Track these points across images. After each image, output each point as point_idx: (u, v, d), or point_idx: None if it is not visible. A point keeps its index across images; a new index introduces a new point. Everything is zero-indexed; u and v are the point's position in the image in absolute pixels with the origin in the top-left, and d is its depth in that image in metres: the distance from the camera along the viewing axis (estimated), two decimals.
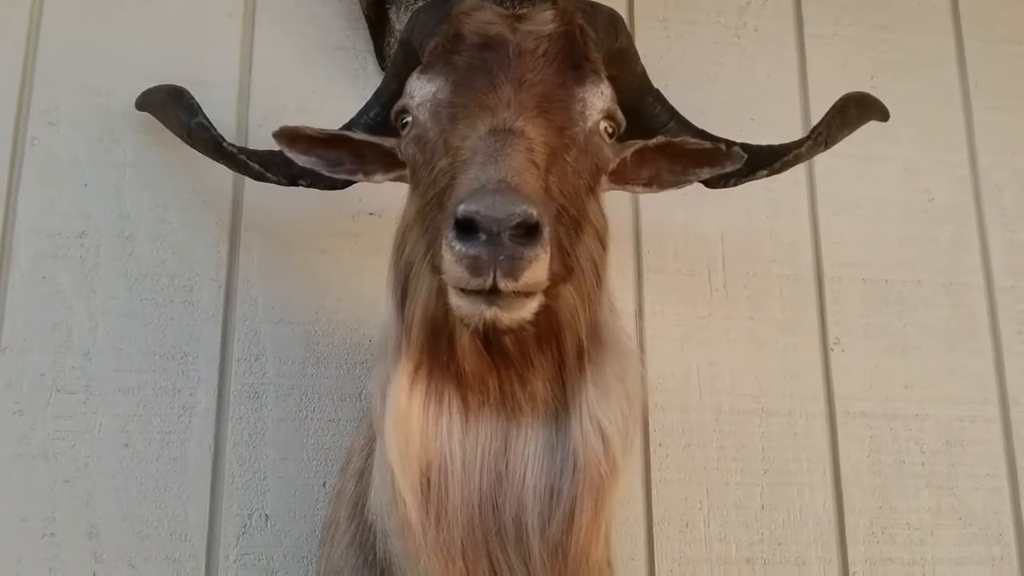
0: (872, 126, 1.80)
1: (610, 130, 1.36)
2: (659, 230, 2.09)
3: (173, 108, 1.75)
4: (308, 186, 1.66)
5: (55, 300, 1.85)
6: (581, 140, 1.31)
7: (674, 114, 1.70)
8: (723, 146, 1.48)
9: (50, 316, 1.84)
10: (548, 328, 1.27)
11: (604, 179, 1.40)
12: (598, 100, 1.33)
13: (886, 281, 2.16)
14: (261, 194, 1.90)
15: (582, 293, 1.29)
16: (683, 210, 2.10)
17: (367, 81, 2.04)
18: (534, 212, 1.09)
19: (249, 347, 1.89)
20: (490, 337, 1.23)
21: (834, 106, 1.74)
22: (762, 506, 1.99)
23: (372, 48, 2.06)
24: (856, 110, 1.81)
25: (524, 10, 1.40)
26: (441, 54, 1.34)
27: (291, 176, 1.66)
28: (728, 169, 1.50)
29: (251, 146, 1.81)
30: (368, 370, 1.91)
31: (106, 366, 1.84)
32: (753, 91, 2.22)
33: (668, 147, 1.48)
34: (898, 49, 2.31)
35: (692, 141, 1.48)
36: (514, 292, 1.12)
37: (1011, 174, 2.27)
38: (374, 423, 1.38)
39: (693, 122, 1.66)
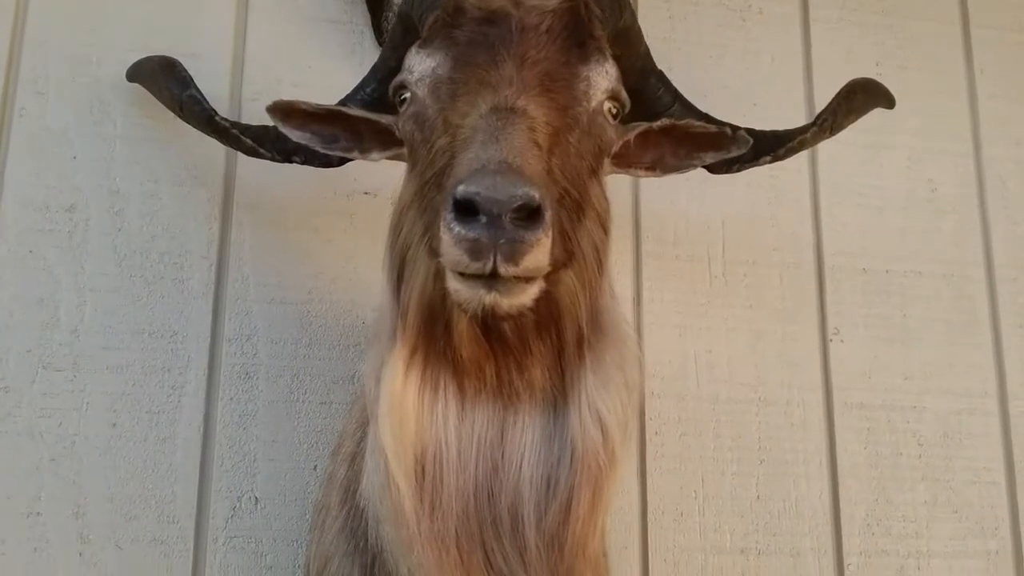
0: (876, 113, 1.77)
1: (614, 111, 1.33)
2: (659, 215, 2.06)
3: (165, 80, 1.71)
4: (302, 163, 1.62)
5: (42, 275, 1.81)
6: (584, 120, 1.27)
7: (677, 96, 1.66)
8: (728, 130, 1.45)
9: (37, 292, 1.80)
10: (548, 314, 1.24)
11: (607, 161, 1.36)
12: (602, 80, 1.29)
13: (887, 271, 2.14)
14: (254, 170, 1.86)
15: (583, 279, 1.26)
16: (684, 195, 2.07)
17: (364, 56, 2.00)
18: (536, 194, 1.06)
19: (240, 327, 1.86)
20: (488, 323, 1.20)
21: (840, 92, 1.71)
22: (757, 496, 1.97)
23: (369, 22, 2.01)
24: (862, 96, 1.78)
25: None
26: (441, 28, 1.30)
27: (285, 152, 1.62)
28: (733, 154, 1.47)
29: (245, 121, 1.77)
30: (361, 352, 1.88)
31: (94, 344, 1.80)
32: (757, 75, 2.18)
33: (672, 130, 1.45)
34: (903, 36, 2.28)
35: (697, 124, 1.45)
36: (514, 277, 1.09)
37: (1015, 165, 2.24)
38: (367, 407, 1.35)
39: (696, 105, 1.63)
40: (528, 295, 1.13)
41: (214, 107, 1.64)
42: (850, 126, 1.72)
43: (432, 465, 1.22)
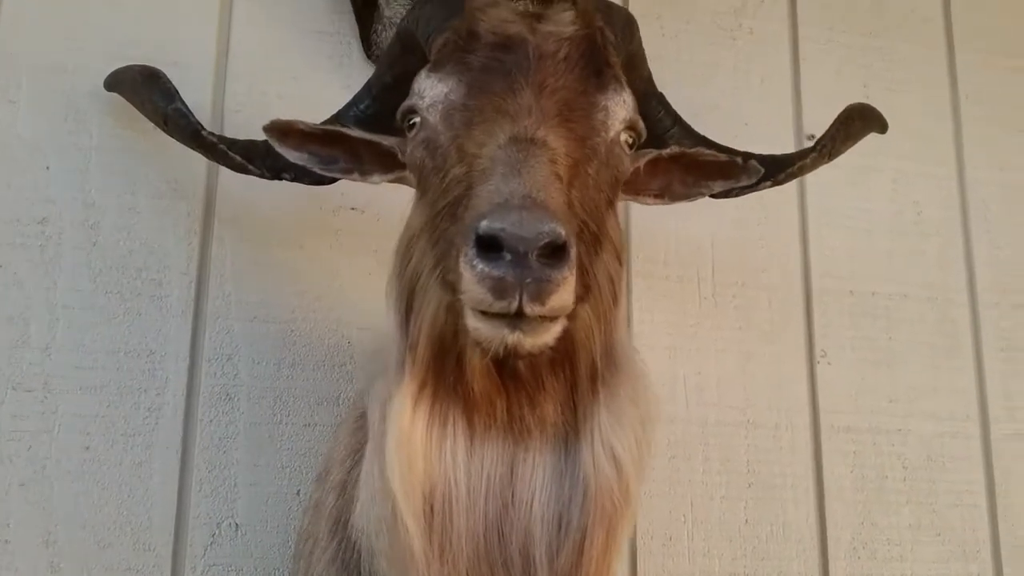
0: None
1: (630, 141, 1.29)
2: (650, 235, 2.03)
3: (148, 91, 1.64)
4: (292, 180, 1.56)
5: (13, 291, 1.73)
6: (602, 151, 1.23)
7: (677, 119, 1.65)
8: (740, 160, 1.43)
9: (7, 308, 1.72)
10: (562, 349, 1.19)
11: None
12: (620, 109, 1.26)
13: (873, 294, 2.14)
14: (237, 184, 1.79)
15: (598, 312, 1.22)
16: (674, 215, 2.04)
17: (352, 68, 1.94)
18: (562, 231, 1.02)
19: (221, 346, 1.79)
20: (505, 360, 1.16)
21: (838, 118, 1.72)
22: (746, 520, 1.96)
23: (357, 34, 1.95)
24: (859, 122, 1.78)
25: (540, 8, 1.31)
26: (453, 52, 1.25)
27: (275, 170, 1.56)
28: (743, 184, 1.46)
29: (227, 133, 1.71)
30: (347, 373, 1.83)
31: (66, 363, 1.72)
32: (747, 95, 2.17)
33: (682, 157, 1.43)
34: (890, 58, 2.28)
35: (707, 153, 1.43)
36: (540, 316, 1.05)
37: (999, 189, 2.26)
38: (370, 440, 1.30)
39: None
40: (551, 334, 1.09)
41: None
42: None
43: (441, 504, 1.18)
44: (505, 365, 1.18)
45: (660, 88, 1.57)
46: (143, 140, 1.81)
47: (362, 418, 1.54)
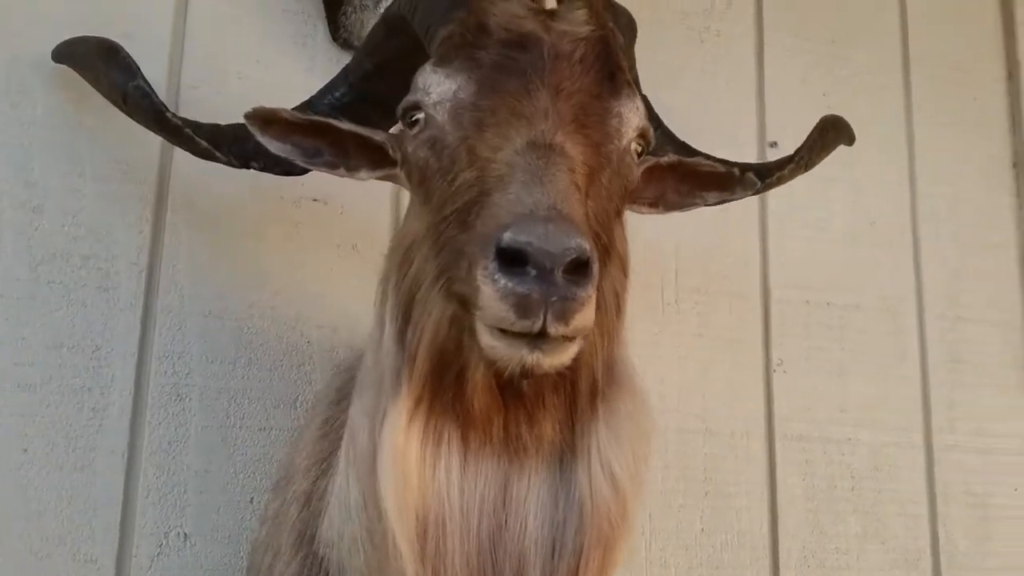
0: None
1: (639, 149, 1.24)
2: None
3: (104, 66, 1.52)
4: (261, 170, 1.47)
5: None
6: (615, 160, 1.18)
7: (659, 124, 1.62)
8: (736, 171, 1.41)
9: None
10: (567, 366, 1.15)
11: None
12: (634, 116, 1.21)
13: (828, 304, 2.16)
14: (192, 168, 1.68)
15: (603, 328, 1.18)
16: (642, 219, 2.01)
17: (316, 49, 1.86)
18: (587, 247, 0.97)
19: (172, 342, 1.70)
20: (514, 378, 1.10)
21: (815, 129, 1.74)
22: (702, 529, 1.96)
23: (323, 14, 1.86)
24: (832, 133, 1.82)
25: (552, 6, 1.26)
26: (461, 47, 1.18)
27: (243, 157, 1.47)
28: (738, 196, 1.44)
29: (183, 111, 1.59)
30: (305, 374, 1.75)
31: (3, 358, 1.61)
32: (712, 96, 2.16)
33: (679, 166, 1.40)
34: (849, 67, 2.30)
35: (705, 163, 1.40)
36: (562, 336, 1.00)
37: (949, 202, 2.30)
38: (350, 455, 1.23)
39: None
40: (569, 354, 1.04)
41: None
42: None
43: (435, 526, 1.13)
44: (510, 382, 1.13)
45: None
46: (92, 117, 1.69)
47: (327, 424, 1.48)
